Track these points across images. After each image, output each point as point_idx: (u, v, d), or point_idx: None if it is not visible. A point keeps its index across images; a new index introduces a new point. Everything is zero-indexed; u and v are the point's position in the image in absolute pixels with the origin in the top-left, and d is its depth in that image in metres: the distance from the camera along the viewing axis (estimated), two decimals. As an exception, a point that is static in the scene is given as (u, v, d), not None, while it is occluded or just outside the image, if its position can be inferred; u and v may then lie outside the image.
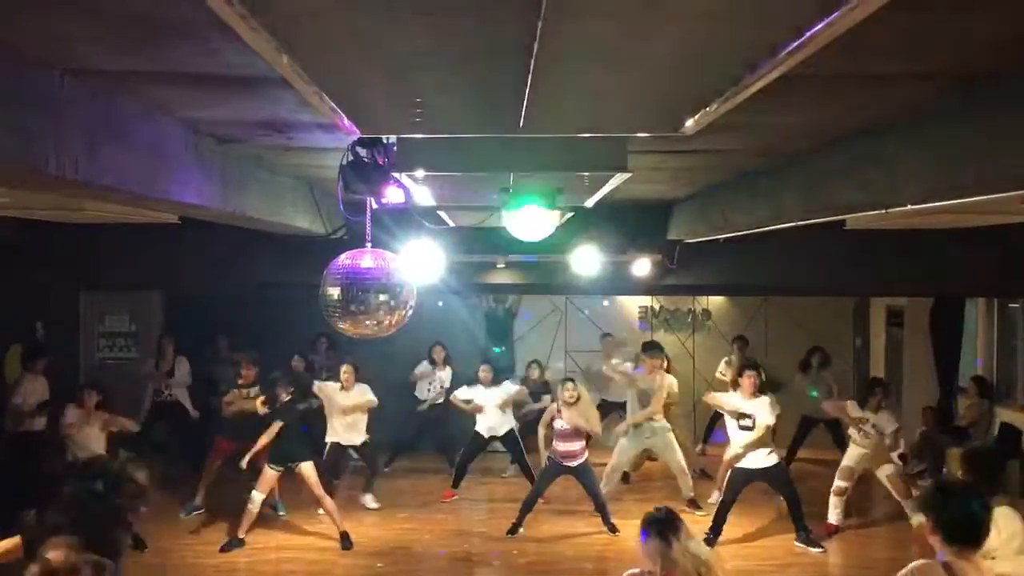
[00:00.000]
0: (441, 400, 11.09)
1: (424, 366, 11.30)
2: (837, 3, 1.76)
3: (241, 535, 8.22)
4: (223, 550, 8.07)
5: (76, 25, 2.75)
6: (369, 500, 9.63)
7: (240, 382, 9.13)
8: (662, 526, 3.78)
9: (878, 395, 8.75)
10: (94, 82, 3.51)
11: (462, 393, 10.04)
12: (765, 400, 8.20)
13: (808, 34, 1.94)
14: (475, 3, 1.81)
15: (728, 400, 8.45)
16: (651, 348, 9.77)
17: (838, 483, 8.68)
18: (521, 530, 8.66)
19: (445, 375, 11.28)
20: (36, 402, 8.96)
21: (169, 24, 2.73)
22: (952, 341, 11.38)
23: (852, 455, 8.71)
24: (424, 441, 11.33)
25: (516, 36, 1.93)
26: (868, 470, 8.73)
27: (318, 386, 9.42)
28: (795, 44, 2.01)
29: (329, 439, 9.41)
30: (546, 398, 10.65)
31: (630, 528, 8.43)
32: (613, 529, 8.61)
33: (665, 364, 9.73)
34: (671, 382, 9.58)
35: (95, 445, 8.43)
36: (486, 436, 9.91)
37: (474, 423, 9.99)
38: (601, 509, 8.66)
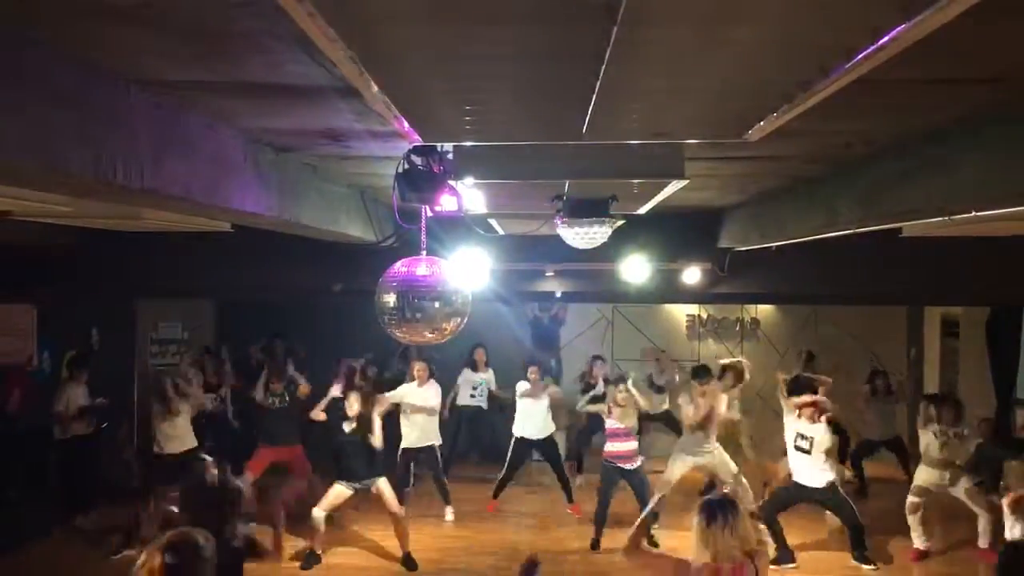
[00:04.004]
0: (485, 404, 11.09)
1: (466, 372, 11.26)
2: (921, 6, 1.73)
3: (318, 550, 8.19)
4: (303, 567, 8.05)
5: (146, 37, 2.80)
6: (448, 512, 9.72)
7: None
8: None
9: (947, 408, 8.65)
10: (159, 93, 3.57)
11: (520, 387, 9.94)
12: (822, 425, 8.14)
13: (886, 38, 1.91)
14: (553, 11, 1.81)
15: (789, 424, 8.34)
16: (701, 374, 9.29)
17: (911, 499, 8.48)
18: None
19: (488, 376, 11.22)
20: (76, 408, 9.16)
21: (234, 36, 2.78)
22: (1010, 351, 11.12)
23: (923, 475, 8.49)
24: (465, 447, 11.33)
25: (590, 43, 1.93)
26: (942, 487, 8.43)
27: (391, 393, 9.41)
28: (872, 48, 1.98)
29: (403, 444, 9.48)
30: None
31: (676, 541, 8.50)
32: (652, 543, 8.60)
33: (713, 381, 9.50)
34: (722, 398, 9.38)
35: (186, 437, 8.68)
36: (530, 439, 9.82)
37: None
38: (648, 517, 8.60)
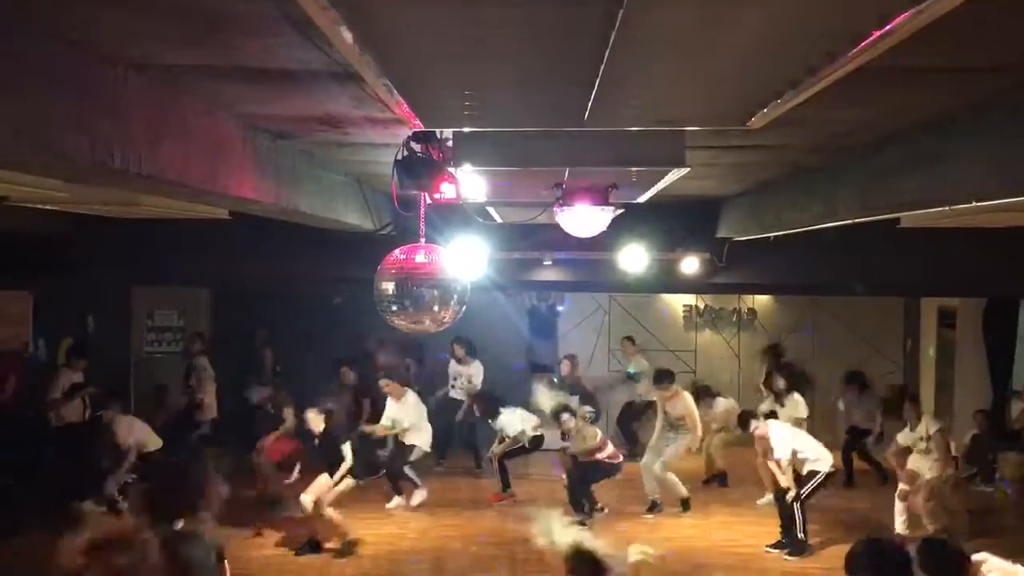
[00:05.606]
0: (464, 396, 10.96)
1: (452, 365, 11.23)
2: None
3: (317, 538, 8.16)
4: (299, 553, 8.02)
5: (142, 21, 2.78)
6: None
7: None
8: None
9: (916, 405, 8.78)
10: (156, 77, 3.54)
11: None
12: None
13: (894, 23, 1.89)
14: (558, -9, 1.79)
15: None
16: (662, 379, 9.42)
17: (902, 487, 8.48)
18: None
19: (469, 370, 11.07)
20: (69, 384, 9.15)
21: (232, 19, 2.75)
22: (1006, 343, 11.14)
23: (914, 461, 8.50)
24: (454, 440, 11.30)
25: (595, 25, 1.90)
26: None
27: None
28: (879, 34, 1.96)
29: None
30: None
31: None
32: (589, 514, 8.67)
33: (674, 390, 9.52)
34: (689, 401, 9.41)
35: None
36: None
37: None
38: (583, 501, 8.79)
